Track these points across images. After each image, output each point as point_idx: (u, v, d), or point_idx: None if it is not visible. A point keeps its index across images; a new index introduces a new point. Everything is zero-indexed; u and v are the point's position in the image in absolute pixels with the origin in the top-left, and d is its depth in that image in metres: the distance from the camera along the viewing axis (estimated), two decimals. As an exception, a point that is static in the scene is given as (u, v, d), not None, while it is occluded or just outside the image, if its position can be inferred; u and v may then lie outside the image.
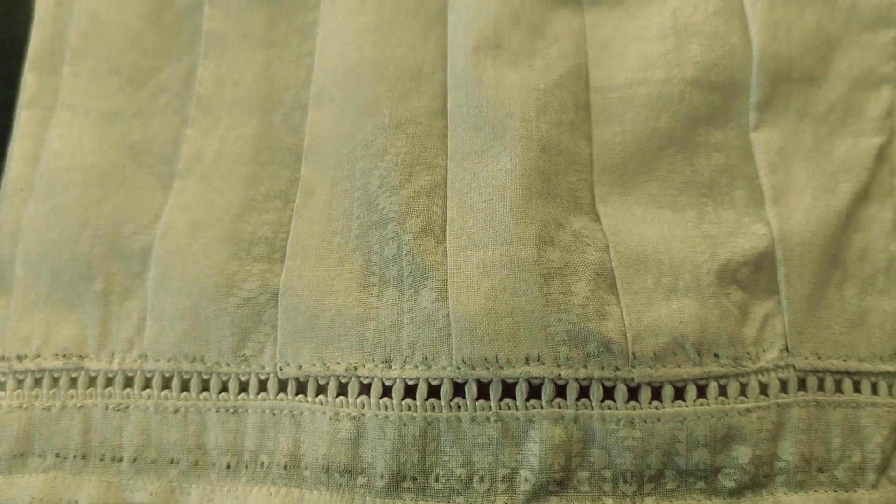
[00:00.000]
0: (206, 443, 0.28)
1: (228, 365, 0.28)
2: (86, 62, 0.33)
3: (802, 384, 0.26)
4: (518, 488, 0.26)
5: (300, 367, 0.28)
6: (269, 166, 0.30)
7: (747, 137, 0.28)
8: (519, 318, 0.26)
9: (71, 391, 0.29)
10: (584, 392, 0.26)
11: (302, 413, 0.27)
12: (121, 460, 0.28)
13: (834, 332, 0.27)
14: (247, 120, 0.31)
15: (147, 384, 0.29)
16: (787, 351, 0.26)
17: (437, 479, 0.26)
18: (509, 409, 0.26)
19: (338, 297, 0.28)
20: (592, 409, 0.26)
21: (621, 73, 0.29)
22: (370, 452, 0.26)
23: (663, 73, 0.28)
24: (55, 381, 0.29)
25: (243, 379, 0.28)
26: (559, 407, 0.26)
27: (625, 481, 0.26)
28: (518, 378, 0.26)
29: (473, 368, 0.26)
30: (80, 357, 0.29)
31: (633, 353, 0.26)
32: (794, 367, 0.26)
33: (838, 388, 0.27)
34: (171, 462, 0.28)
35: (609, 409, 0.26)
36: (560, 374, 0.26)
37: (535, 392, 0.26)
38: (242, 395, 0.28)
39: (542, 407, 0.26)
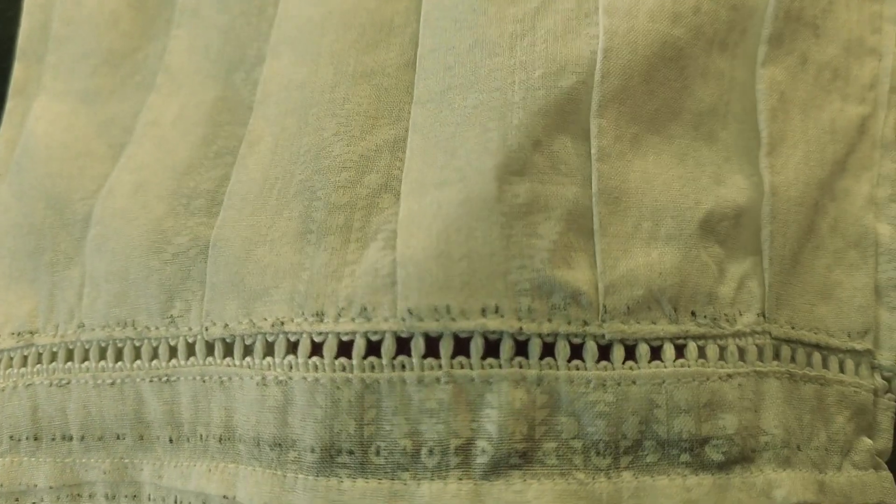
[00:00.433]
0: (146, 416, 0.27)
1: (157, 329, 0.27)
2: (68, 47, 0.33)
3: (777, 354, 0.25)
4: (474, 461, 0.23)
5: (226, 325, 0.25)
6: (228, 126, 0.29)
7: (749, 73, 0.26)
8: (475, 264, 0.23)
9: (22, 370, 0.29)
10: (548, 350, 0.23)
11: (231, 379, 0.25)
12: (71, 439, 0.28)
13: (806, 303, 0.26)
14: (210, 82, 0.30)
15: (86, 356, 0.28)
16: (764, 317, 0.25)
17: (377, 453, 0.23)
18: (462, 368, 0.23)
19: (272, 247, 0.25)
20: (558, 369, 0.23)
21: None
22: (299, 422, 0.23)
23: None
24: (11, 361, 0.29)
25: (172, 343, 0.27)
26: (520, 367, 0.23)
27: (598, 453, 0.23)
28: (473, 332, 0.23)
29: (421, 320, 0.23)
30: (31, 333, 0.29)
31: (605, 306, 0.23)
32: (770, 334, 0.25)
33: (808, 362, 0.25)
34: (118, 438, 0.27)
35: (577, 369, 0.23)
36: (521, 329, 0.23)
37: (492, 349, 0.23)
38: (173, 361, 0.27)
39: (500, 366, 0.23)
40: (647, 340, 0.24)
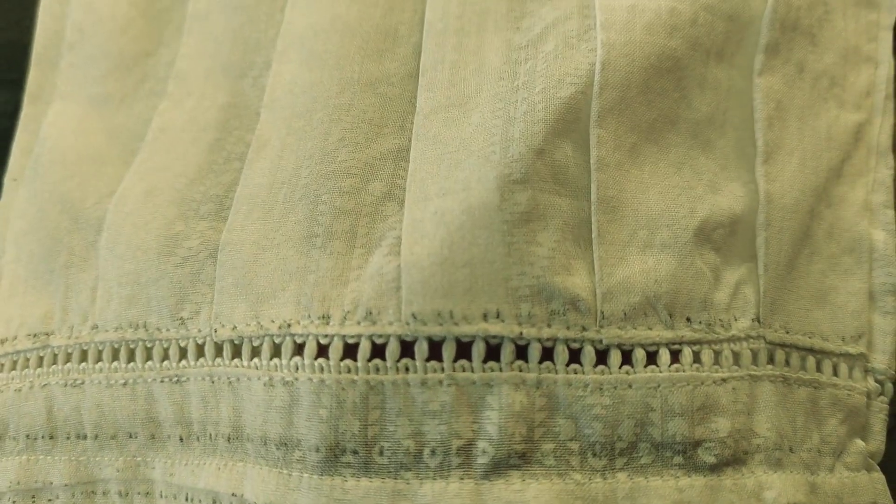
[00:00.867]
0: (157, 415, 0.27)
1: (168, 330, 0.27)
2: (81, 52, 0.33)
3: (771, 358, 0.25)
4: (475, 461, 0.23)
5: (234, 327, 0.25)
6: (237, 131, 0.29)
7: (746, 82, 0.27)
8: (477, 270, 0.23)
9: (38, 370, 0.29)
10: (548, 354, 0.24)
11: (238, 379, 0.25)
12: (85, 437, 0.28)
13: (800, 308, 0.26)
14: (219, 88, 0.30)
15: (100, 357, 0.28)
16: (759, 322, 0.25)
17: (381, 453, 0.23)
18: (464, 371, 0.23)
19: (278, 250, 0.25)
20: (557, 373, 0.23)
21: None
22: (304, 422, 0.24)
23: None
24: (27, 361, 0.29)
25: (182, 344, 0.27)
26: (520, 370, 0.23)
27: (594, 454, 0.23)
28: (475, 336, 0.23)
29: (425, 325, 0.23)
30: (47, 335, 0.29)
31: (602, 312, 0.24)
32: (764, 338, 0.25)
33: (802, 366, 0.25)
34: (130, 436, 0.27)
35: (575, 373, 0.23)
36: (521, 333, 0.23)
37: (493, 353, 0.23)
38: (183, 362, 0.27)
39: (500, 370, 0.23)
40: (643, 346, 0.24)
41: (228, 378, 0.26)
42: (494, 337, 0.23)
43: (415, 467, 0.23)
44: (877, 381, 0.26)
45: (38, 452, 0.28)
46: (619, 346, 0.24)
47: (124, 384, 0.27)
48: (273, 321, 0.25)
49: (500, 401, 0.23)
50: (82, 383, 0.28)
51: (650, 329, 0.24)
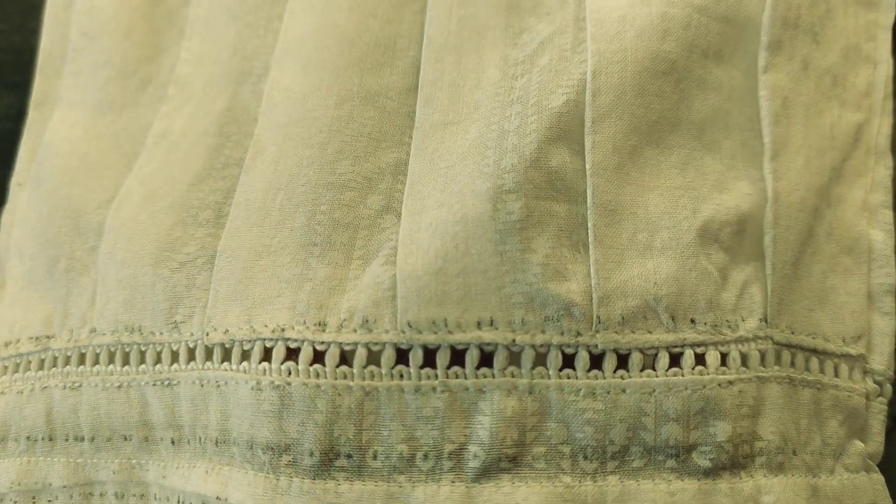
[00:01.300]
0: (150, 418, 0.27)
1: (161, 334, 0.27)
2: (84, 58, 0.33)
3: (777, 359, 0.25)
4: (466, 465, 0.23)
5: (226, 331, 0.26)
6: (235, 137, 0.29)
7: (749, 81, 0.26)
8: (471, 279, 0.24)
9: (39, 373, 0.29)
10: (541, 360, 0.24)
11: (227, 383, 0.25)
12: (82, 440, 0.28)
13: (804, 308, 0.26)
14: (219, 94, 0.30)
15: (97, 360, 0.28)
16: (766, 322, 0.25)
17: (374, 457, 0.24)
18: (457, 377, 0.24)
19: (275, 257, 0.26)
20: (549, 378, 0.24)
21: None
22: (296, 427, 0.24)
23: None
24: (29, 364, 0.30)
25: (174, 348, 0.27)
26: (512, 376, 0.24)
27: (585, 458, 0.23)
28: (468, 344, 0.24)
29: (420, 333, 0.24)
30: (48, 338, 0.30)
31: (598, 317, 0.24)
32: (772, 339, 0.24)
33: (807, 367, 0.25)
34: (125, 439, 0.28)
35: (568, 378, 0.24)
36: (514, 340, 0.23)
37: (486, 360, 0.24)
38: (175, 365, 0.27)
39: (493, 376, 0.24)
40: (641, 349, 0.24)
41: (217, 381, 0.26)
42: (488, 344, 0.24)
43: (407, 471, 0.23)
44: (875, 382, 0.26)
45: (37, 454, 0.29)
46: (615, 351, 0.24)
47: (119, 387, 0.28)
48: (266, 325, 0.25)
49: (493, 406, 0.23)
50: (80, 386, 0.28)
51: (650, 332, 0.24)
